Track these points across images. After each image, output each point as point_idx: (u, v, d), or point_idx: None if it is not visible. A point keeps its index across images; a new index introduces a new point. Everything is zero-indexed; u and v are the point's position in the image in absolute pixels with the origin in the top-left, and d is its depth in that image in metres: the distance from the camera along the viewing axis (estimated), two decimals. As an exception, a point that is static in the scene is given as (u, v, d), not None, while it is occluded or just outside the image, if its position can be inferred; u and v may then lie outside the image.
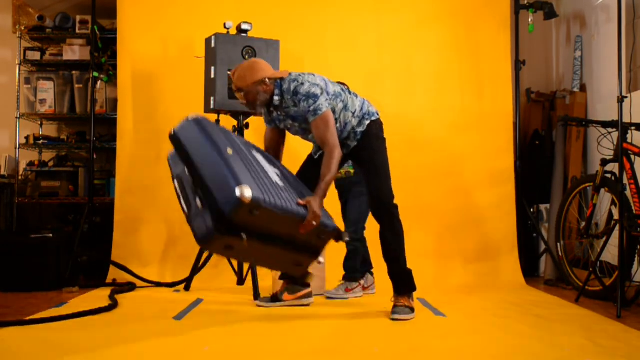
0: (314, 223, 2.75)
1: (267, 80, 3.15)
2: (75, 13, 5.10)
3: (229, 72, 3.82)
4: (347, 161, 3.54)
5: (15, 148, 5.03)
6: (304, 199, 2.81)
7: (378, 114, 3.45)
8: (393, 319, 3.09)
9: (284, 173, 3.10)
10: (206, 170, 2.49)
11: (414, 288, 3.26)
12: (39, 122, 5.29)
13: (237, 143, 2.84)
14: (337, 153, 3.08)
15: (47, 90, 5.01)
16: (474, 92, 4.68)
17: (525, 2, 4.71)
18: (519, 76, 4.71)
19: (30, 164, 5.05)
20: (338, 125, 3.25)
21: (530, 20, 4.64)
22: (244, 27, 3.90)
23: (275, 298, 3.48)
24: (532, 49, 5.36)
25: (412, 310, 3.18)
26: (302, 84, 3.12)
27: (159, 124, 4.49)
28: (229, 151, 2.59)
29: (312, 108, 3.10)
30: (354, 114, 3.30)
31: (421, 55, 4.69)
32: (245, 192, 2.39)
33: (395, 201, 3.32)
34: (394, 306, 3.19)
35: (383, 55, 4.66)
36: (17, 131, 5.01)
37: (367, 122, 3.34)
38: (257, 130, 4.43)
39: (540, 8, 4.67)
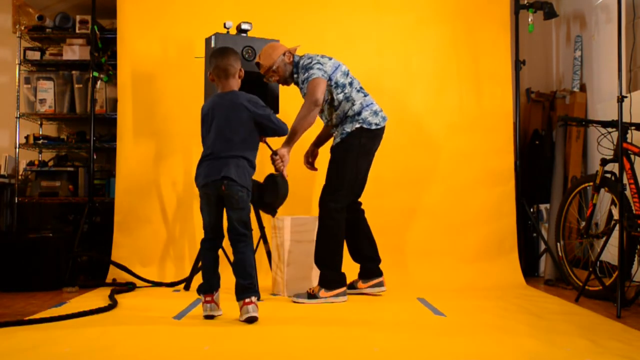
0: (281, 164, 3.35)
1: (287, 52, 3.61)
2: (75, 13, 5.10)
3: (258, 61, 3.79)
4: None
5: (15, 148, 5.04)
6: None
7: (377, 126, 3.61)
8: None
9: None
10: None
11: (328, 285, 3.56)
12: (39, 122, 5.29)
13: None
14: (315, 110, 3.40)
15: (47, 90, 5.01)
16: (473, 92, 4.67)
17: (525, 2, 4.70)
18: (519, 76, 4.71)
19: (30, 163, 5.05)
20: (338, 112, 3.60)
21: (530, 20, 4.64)
22: (244, 27, 3.90)
23: (312, 295, 3.58)
24: (532, 49, 5.36)
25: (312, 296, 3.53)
26: (309, 59, 3.57)
27: (159, 124, 4.50)
28: None
29: (305, 76, 3.47)
30: (350, 108, 3.57)
31: (421, 55, 4.69)
32: None
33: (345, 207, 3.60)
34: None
35: (383, 55, 4.66)
36: (17, 131, 5.01)
37: (357, 125, 3.54)
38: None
39: (540, 8, 4.66)
